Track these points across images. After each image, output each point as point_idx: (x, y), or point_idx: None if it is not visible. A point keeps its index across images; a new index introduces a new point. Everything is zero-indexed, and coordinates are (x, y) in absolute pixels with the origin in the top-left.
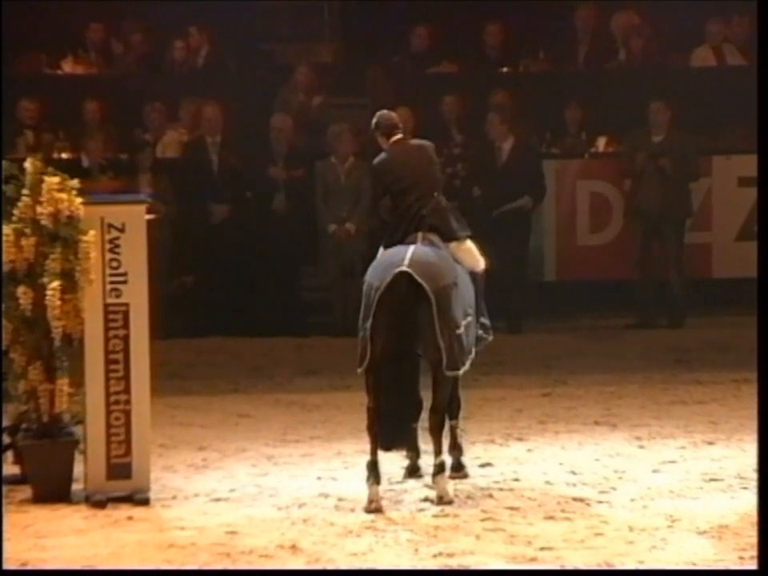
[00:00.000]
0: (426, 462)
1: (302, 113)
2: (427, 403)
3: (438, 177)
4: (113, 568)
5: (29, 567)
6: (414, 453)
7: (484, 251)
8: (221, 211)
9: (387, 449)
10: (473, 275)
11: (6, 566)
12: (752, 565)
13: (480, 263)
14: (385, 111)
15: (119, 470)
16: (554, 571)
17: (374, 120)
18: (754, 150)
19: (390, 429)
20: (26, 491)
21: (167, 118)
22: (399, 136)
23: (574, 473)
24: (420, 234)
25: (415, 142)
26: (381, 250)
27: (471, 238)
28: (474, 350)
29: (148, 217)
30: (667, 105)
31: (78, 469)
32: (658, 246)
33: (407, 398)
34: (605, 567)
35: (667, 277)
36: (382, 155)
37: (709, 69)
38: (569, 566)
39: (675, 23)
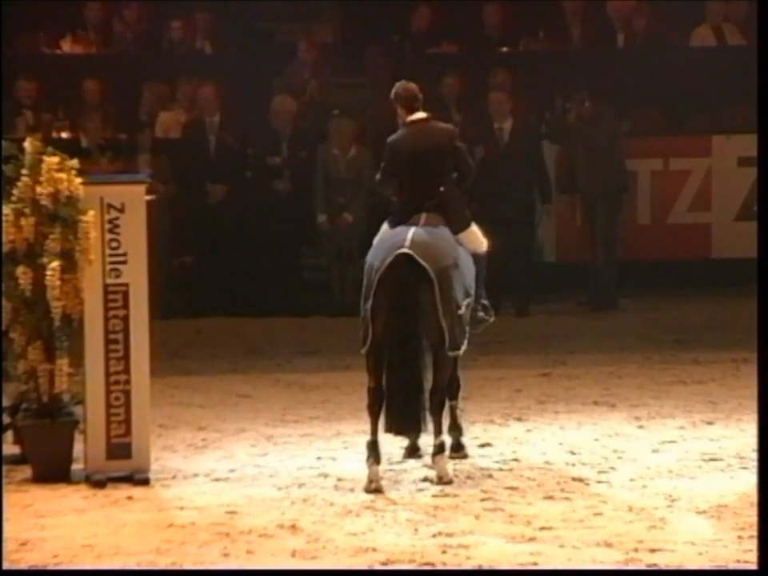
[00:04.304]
0: (426, 442)
1: (304, 93)
2: (426, 384)
3: (450, 166)
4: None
5: (29, 547)
6: (414, 433)
7: (487, 233)
8: (219, 191)
9: (398, 433)
10: (475, 257)
11: (6, 544)
12: (750, 544)
13: (483, 245)
14: (404, 82)
15: (119, 449)
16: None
17: (393, 90)
18: (754, 129)
19: (399, 413)
20: (26, 471)
21: (166, 98)
22: (421, 115)
23: (573, 453)
24: (423, 216)
25: (435, 125)
26: (384, 226)
27: (474, 220)
28: (468, 330)
29: (147, 197)
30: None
31: (78, 449)
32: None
33: (415, 381)
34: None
35: (598, 255)
36: (398, 133)
37: (709, 48)
38: (568, 546)
39: (676, 3)
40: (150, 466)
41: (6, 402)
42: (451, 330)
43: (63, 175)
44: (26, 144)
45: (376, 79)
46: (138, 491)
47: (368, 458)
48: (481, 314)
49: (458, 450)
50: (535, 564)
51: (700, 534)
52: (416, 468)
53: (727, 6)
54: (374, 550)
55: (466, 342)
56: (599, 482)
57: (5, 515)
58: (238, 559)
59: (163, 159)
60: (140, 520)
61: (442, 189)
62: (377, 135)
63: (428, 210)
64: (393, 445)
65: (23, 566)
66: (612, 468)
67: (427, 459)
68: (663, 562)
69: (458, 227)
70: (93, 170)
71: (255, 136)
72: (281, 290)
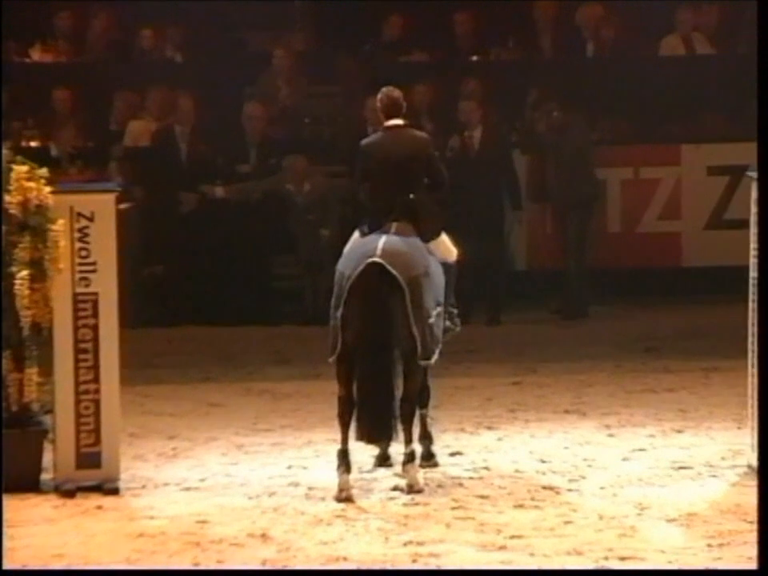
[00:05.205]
0: (397, 450)
1: (276, 101)
2: (397, 392)
3: (422, 174)
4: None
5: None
6: (385, 442)
7: (459, 243)
8: (190, 200)
9: (368, 442)
10: (445, 266)
11: None
12: (720, 552)
13: (452, 254)
14: (389, 88)
15: (89, 459)
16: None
17: (378, 95)
18: (723, 139)
19: (370, 422)
20: None
21: (136, 107)
22: (397, 122)
23: (543, 461)
24: (394, 224)
25: (410, 133)
26: (355, 234)
27: (444, 229)
28: (440, 340)
29: (122, 206)
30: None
31: (48, 458)
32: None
33: (386, 390)
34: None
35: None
36: (372, 137)
37: (678, 58)
38: (539, 554)
39: (644, 12)
40: (120, 475)
41: None
42: (423, 338)
43: (32, 184)
44: None
45: (347, 88)
46: (107, 501)
47: (339, 466)
48: (447, 323)
49: (429, 458)
50: None
51: (670, 542)
52: (387, 477)
53: (697, 15)
54: (345, 558)
55: (438, 351)
56: (570, 490)
57: None
58: (208, 568)
59: (134, 167)
60: (110, 529)
61: (412, 196)
62: (347, 144)
63: (399, 219)
64: (363, 454)
65: None
66: (582, 476)
67: (398, 468)
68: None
69: (429, 236)
70: (62, 179)
71: (225, 144)
72: (252, 299)
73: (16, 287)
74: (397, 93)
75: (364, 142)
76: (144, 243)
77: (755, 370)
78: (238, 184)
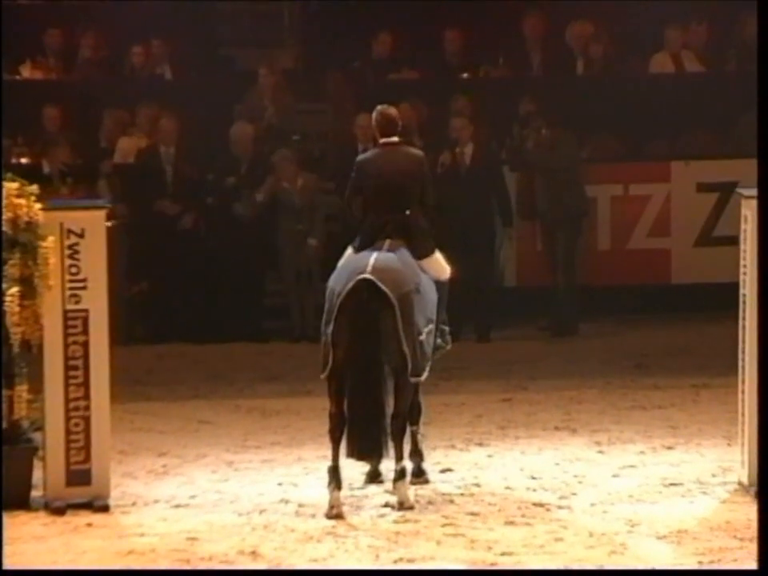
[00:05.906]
0: (387, 467)
1: (264, 119)
2: (388, 409)
3: (416, 192)
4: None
5: None
6: (376, 458)
7: (450, 260)
8: (187, 219)
9: (359, 459)
10: (438, 284)
11: None
12: (710, 569)
13: (446, 272)
14: (384, 106)
15: (79, 476)
16: (523, 571)
17: (373, 113)
18: (713, 156)
19: (361, 438)
20: None
21: (126, 124)
22: (392, 139)
23: (534, 478)
24: (387, 241)
25: (405, 150)
26: (348, 251)
27: (437, 246)
28: (430, 357)
29: (108, 223)
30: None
31: (37, 475)
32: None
33: (376, 407)
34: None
35: (560, 280)
36: (367, 154)
37: (667, 75)
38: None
39: (634, 30)
40: (110, 492)
41: None
42: (413, 355)
43: (23, 201)
44: None
45: (337, 105)
46: (97, 518)
47: (329, 483)
48: (438, 340)
49: (419, 475)
50: None
51: (660, 559)
52: (377, 493)
53: (685, 33)
54: None
55: (428, 368)
56: (560, 507)
57: None
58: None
59: (122, 184)
60: (100, 547)
61: (407, 212)
62: (337, 161)
63: (392, 235)
64: (354, 470)
65: None
66: (573, 493)
67: (388, 485)
68: None
69: (421, 253)
70: (54, 196)
71: (216, 162)
72: (242, 316)
73: (6, 304)
74: (392, 111)
75: (360, 158)
76: (134, 259)
77: (745, 387)
78: (244, 202)
